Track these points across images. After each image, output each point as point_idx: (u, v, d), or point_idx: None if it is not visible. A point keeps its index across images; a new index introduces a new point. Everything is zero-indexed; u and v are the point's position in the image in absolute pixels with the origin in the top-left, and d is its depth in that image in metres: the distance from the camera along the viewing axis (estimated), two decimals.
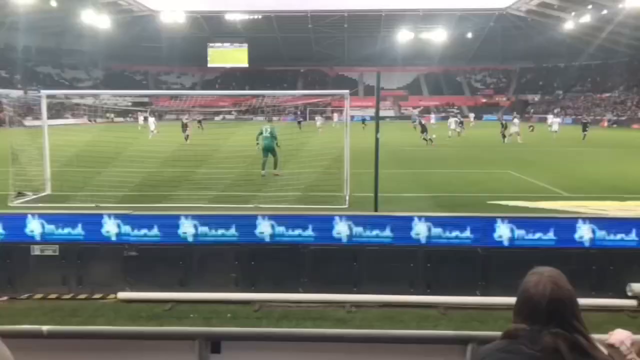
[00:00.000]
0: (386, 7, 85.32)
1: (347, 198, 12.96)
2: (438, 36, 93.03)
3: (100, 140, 23.99)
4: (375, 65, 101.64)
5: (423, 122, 31.46)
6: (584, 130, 37.01)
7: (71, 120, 44.83)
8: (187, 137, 31.90)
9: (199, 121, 39.66)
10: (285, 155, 16.58)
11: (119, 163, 16.31)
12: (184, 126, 33.87)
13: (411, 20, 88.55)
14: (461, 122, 40.97)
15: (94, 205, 12.45)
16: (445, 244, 7.87)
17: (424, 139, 29.92)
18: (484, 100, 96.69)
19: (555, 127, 38.87)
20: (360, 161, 15.79)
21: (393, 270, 7.98)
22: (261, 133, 18.39)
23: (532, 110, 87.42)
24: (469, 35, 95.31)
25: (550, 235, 7.79)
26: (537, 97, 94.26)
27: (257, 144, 18.45)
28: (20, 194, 13.27)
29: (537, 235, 7.81)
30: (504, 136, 32.78)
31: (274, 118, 37.83)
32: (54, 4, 70.09)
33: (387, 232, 7.83)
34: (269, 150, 18.08)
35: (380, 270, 7.96)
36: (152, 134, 34.71)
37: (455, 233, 7.84)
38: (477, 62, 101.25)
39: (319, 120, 44.22)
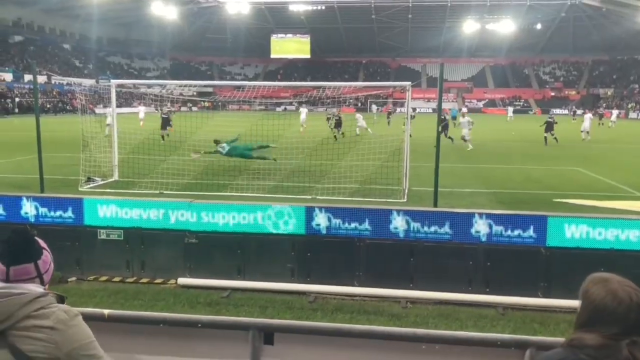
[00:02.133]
0: None
1: (406, 192, 12.79)
2: (505, 27, 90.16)
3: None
4: (439, 56, 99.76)
5: (340, 116, 29.45)
6: (548, 131, 27.46)
7: (140, 109, 46.37)
8: (165, 136, 24.46)
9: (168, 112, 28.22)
10: (343, 147, 16.53)
11: (181, 151, 16.69)
12: (165, 122, 26.81)
13: (477, 11, 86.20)
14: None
15: (158, 191, 12.87)
16: (507, 243, 7.63)
17: (334, 135, 26.76)
18: (552, 94, 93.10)
19: (586, 124, 30.55)
20: (419, 154, 15.55)
21: (451, 267, 7.83)
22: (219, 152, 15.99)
23: (604, 105, 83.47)
24: (538, 26, 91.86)
25: (621, 236, 7.40)
26: (609, 91, 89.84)
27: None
28: (89, 179, 13.85)
29: (605, 236, 7.44)
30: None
31: (334, 109, 36.82)
32: None
33: (446, 229, 7.67)
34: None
35: (438, 266, 7.82)
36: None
37: (517, 232, 7.59)
38: (546, 53, 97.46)
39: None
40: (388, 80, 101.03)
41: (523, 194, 13.58)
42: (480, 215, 7.68)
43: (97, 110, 44.52)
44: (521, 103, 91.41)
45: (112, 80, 15.13)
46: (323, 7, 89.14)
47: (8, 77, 64.76)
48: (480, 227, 7.58)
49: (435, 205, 11.54)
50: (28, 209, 6.92)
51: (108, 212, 7.87)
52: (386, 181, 13.65)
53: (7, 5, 75.21)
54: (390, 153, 15.14)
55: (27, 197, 7.00)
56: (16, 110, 56.42)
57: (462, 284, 7.68)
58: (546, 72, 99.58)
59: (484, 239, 7.61)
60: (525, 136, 31.92)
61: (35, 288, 2.00)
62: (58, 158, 18.11)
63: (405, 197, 12.48)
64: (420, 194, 12.91)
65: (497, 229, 7.57)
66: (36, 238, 2.08)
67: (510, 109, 65.87)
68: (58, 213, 7.17)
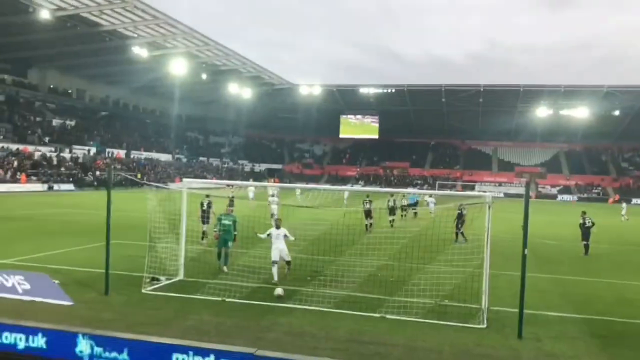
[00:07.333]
0: (525, 83, 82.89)
1: (485, 315, 11.61)
2: (580, 112, 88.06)
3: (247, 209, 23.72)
4: (510, 140, 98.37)
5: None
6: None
7: (212, 182, 47.61)
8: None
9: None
10: (432, 246, 15.48)
11: (258, 247, 16.02)
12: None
13: (551, 96, 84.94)
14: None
15: (220, 299, 12.37)
16: None
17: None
18: (631, 181, 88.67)
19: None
20: (495, 255, 14.14)
21: None
22: (220, 219, 15.99)
23: None
24: (616, 112, 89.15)
25: None
26: None
27: (216, 231, 16.13)
28: (154, 279, 13.57)
29: None
30: None
31: (401, 189, 36.52)
32: (204, 76, 76.70)
33: None
34: (227, 239, 15.73)
35: None
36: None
37: None
38: (625, 140, 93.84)
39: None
40: (457, 162, 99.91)
41: (620, 323, 12.08)
42: None
43: (171, 186, 45.67)
44: (598, 190, 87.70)
45: (184, 180, 15.14)
46: (393, 90, 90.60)
47: (92, 150, 68.59)
48: None
49: (520, 336, 10.41)
50: (83, 347, 6.52)
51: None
52: (464, 297, 12.56)
53: (98, 84, 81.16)
54: (472, 259, 13.95)
55: (83, 335, 6.61)
56: (95, 183, 59.13)
57: None
58: (625, 158, 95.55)
59: None
60: (615, 236, 29.65)
61: None
62: (128, 247, 18.20)
63: (485, 321, 11.32)
64: (502, 317, 11.73)
65: None
66: None
67: (625, 205, 46.18)
68: (113, 355, 6.71)
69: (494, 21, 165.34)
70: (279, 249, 14.47)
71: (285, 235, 14.75)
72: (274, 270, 14.32)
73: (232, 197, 29.34)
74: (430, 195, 37.99)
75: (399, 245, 16.30)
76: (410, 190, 53.65)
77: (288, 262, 14.72)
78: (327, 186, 60.21)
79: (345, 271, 14.70)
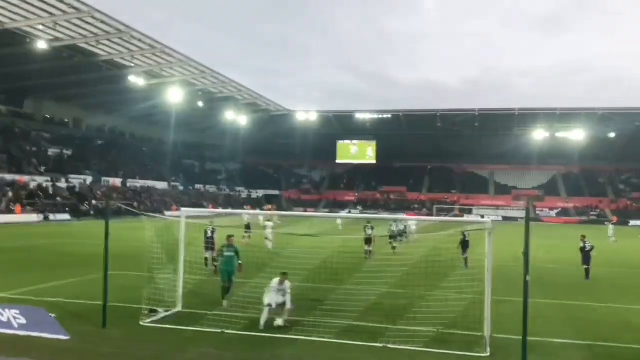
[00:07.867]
0: (520, 106, 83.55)
1: (488, 341, 11.46)
2: (576, 135, 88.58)
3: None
4: (507, 163, 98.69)
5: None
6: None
7: (211, 210, 47.36)
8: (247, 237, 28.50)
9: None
10: (433, 274, 15.22)
11: (259, 276, 15.74)
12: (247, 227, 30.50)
13: (547, 119, 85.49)
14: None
15: (220, 331, 12.15)
16: None
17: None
18: (629, 203, 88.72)
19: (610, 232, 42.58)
20: (498, 281, 13.97)
21: None
22: (222, 251, 15.36)
23: None
24: (612, 134, 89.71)
25: None
26: None
27: (216, 264, 15.76)
28: (152, 311, 13.35)
29: None
30: None
31: (400, 215, 36.37)
32: (200, 104, 77.05)
33: None
34: (230, 273, 15.00)
35: None
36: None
37: None
38: (622, 162, 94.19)
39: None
40: (454, 186, 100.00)
41: (623, 349, 11.89)
42: None
43: (166, 213, 45.41)
44: (597, 212, 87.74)
45: (182, 209, 15.02)
46: (389, 116, 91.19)
47: (89, 179, 68.40)
48: None
49: None
50: None
51: None
52: (467, 324, 12.40)
53: (94, 113, 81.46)
54: (474, 285, 13.79)
55: None
56: (91, 212, 58.80)
57: None
58: (622, 180, 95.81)
59: None
60: (613, 258, 29.49)
61: None
62: (125, 277, 17.98)
63: (488, 349, 11.14)
64: (505, 345, 11.54)
65: None
66: None
67: (611, 227, 46.64)
68: None
69: (488, 46, 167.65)
70: (274, 299, 12.72)
71: (286, 293, 12.79)
72: (264, 314, 12.66)
73: (249, 223, 31.24)
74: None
75: (399, 272, 16.17)
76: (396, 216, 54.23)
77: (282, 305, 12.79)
78: (317, 214, 60.18)
79: (346, 300, 14.48)
